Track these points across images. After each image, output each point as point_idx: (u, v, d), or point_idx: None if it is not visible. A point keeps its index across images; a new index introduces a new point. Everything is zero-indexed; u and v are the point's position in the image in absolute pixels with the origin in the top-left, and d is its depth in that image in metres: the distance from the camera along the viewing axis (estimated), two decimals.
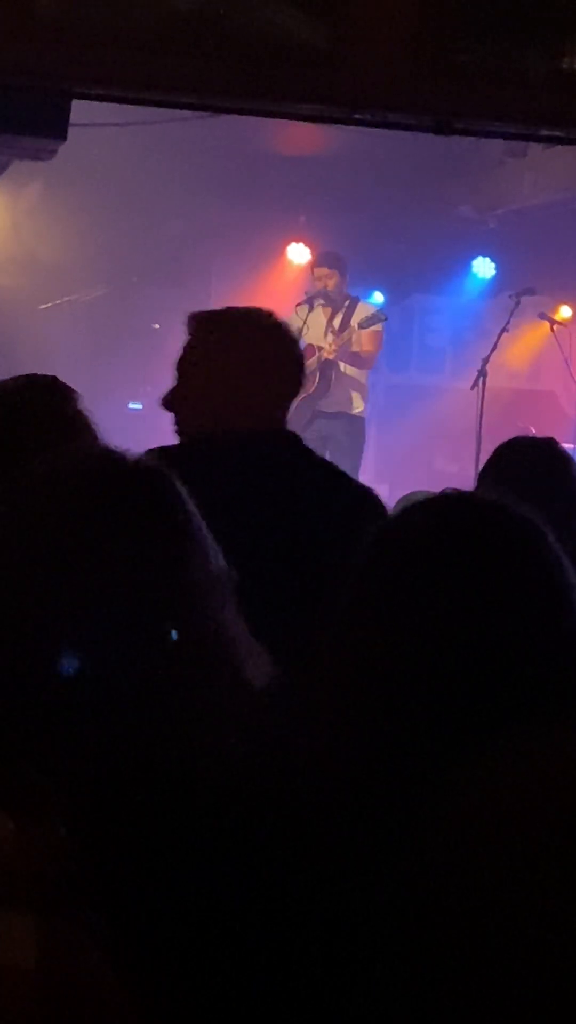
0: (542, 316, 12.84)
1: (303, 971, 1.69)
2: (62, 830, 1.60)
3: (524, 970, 1.18)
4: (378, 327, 11.97)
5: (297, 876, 1.72)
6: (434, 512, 2.06)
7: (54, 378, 2.95)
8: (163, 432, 14.99)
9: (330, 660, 2.03)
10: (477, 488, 4.03)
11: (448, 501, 2.08)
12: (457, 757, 1.79)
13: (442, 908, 1.23)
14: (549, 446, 4.35)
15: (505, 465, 4.11)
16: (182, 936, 1.64)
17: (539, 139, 7.02)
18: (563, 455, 4.26)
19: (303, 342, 11.99)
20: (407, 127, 6.06)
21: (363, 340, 11.95)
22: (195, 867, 1.66)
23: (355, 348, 11.91)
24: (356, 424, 11.97)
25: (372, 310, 12.24)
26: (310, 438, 11.80)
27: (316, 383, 11.89)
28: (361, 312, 12.04)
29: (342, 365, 11.88)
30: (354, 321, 11.94)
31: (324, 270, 12.16)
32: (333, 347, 11.83)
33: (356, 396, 11.97)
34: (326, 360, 11.85)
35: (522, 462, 4.12)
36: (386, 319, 11.95)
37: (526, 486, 3.80)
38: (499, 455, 4.19)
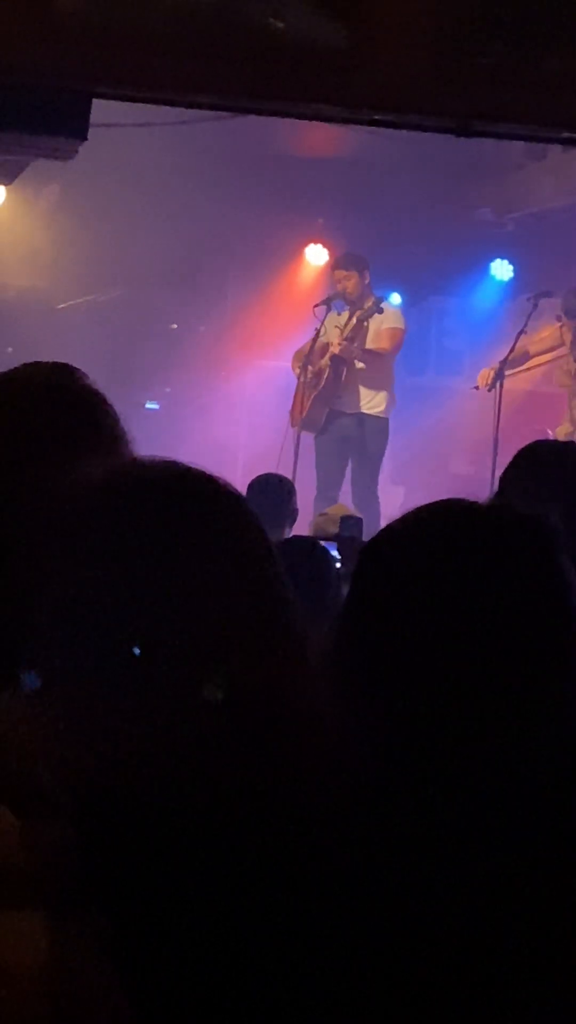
0: (559, 319, 12.81)
1: (310, 975, 1.69)
2: (69, 828, 1.60)
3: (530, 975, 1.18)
4: (393, 323, 11.94)
5: (305, 877, 1.72)
6: (434, 516, 2.05)
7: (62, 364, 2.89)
8: (180, 432, 15.10)
9: (331, 669, 2.02)
10: (499, 493, 4.00)
11: (449, 505, 2.06)
12: (459, 760, 1.79)
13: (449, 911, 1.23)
14: (572, 450, 4.34)
15: (527, 469, 4.09)
16: (187, 938, 1.64)
17: (559, 141, 7.02)
18: None
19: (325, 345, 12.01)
20: (427, 129, 6.06)
21: (381, 337, 11.93)
22: (203, 868, 1.66)
23: (370, 345, 11.89)
24: (374, 425, 11.94)
25: (394, 310, 12.21)
26: (330, 439, 11.86)
27: (326, 379, 11.87)
28: (384, 312, 12.00)
29: (356, 363, 11.87)
30: (373, 324, 11.92)
31: (342, 272, 12.14)
32: (339, 341, 11.81)
33: (374, 395, 11.94)
34: (335, 356, 11.82)
35: (545, 466, 4.09)
36: (382, 312, 11.88)
37: (549, 490, 3.80)
38: (521, 459, 4.17)
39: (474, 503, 2.07)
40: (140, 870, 1.65)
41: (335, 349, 11.81)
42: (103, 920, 1.56)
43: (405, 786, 1.84)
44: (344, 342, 11.80)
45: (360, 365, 11.87)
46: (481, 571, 1.96)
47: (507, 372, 11.95)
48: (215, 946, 1.65)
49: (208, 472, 1.90)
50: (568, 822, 1.55)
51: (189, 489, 1.87)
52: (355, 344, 11.83)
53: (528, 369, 12.30)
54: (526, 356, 12.21)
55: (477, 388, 11.92)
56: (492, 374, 11.76)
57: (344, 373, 11.84)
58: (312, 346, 12.11)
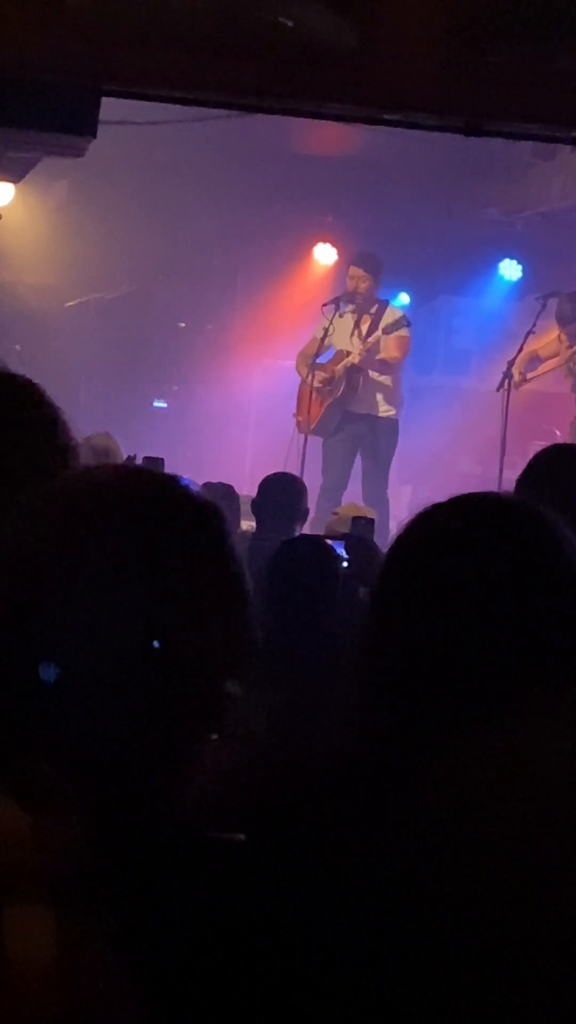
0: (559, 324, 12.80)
1: (316, 979, 1.69)
2: (78, 825, 1.60)
3: (527, 958, 1.18)
4: (404, 332, 11.94)
5: (316, 880, 1.72)
6: (454, 510, 2.06)
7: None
8: (188, 431, 15.04)
9: (357, 659, 2.04)
10: (515, 493, 4.01)
11: (469, 500, 2.09)
12: (486, 756, 1.80)
13: (441, 887, 1.23)
14: None
15: (546, 472, 4.09)
16: (194, 937, 1.64)
17: (569, 141, 7.01)
18: None
19: (330, 347, 12.02)
20: (436, 128, 6.06)
21: (390, 346, 11.92)
22: (214, 867, 1.66)
23: (382, 355, 11.89)
24: (386, 426, 11.95)
25: (400, 314, 12.21)
26: (341, 440, 11.87)
27: (343, 388, 11.89)
28: (389, 317, 12.01)
29: (370, 371, 11.89)
30: (381, 326, 11.92)
31: (359, 271, 12.06)
32: (360, 353, 11.81)
33: (384, 398, 11.96)
34: (353, 366, 11.84)
35: (564, 470, 4.10)
36: (410, 324, 11.93)
37: (567, 494, 3.81)
38: (539, 462, 4.17)
39: (490, 494, 2.10)
40: (149, 868, 1.65)
41: (355, 360, 11.81)
42: (111, 918, 1.57)
43: (424, 773, 1.85)
44: (366, 353, 11.80)
45: (375, 374, 11.90)
46: (503, 564, 1.98)
47: (529, 375, 12.01)
48: (222, 946, 1.65)
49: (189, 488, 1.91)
50: None
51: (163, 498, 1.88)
52: (375, 354, 11.85)
53: (540, 374, 12.30)
54: (537, 360, 12.22)
55: (498, 390, 11.88)
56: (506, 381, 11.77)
57: (360, 382, 11.86)
58: (319, 346, 12.10)
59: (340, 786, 1.89)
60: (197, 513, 1.83)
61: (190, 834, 1.67)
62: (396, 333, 11.87)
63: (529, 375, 12.09)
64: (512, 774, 1.26)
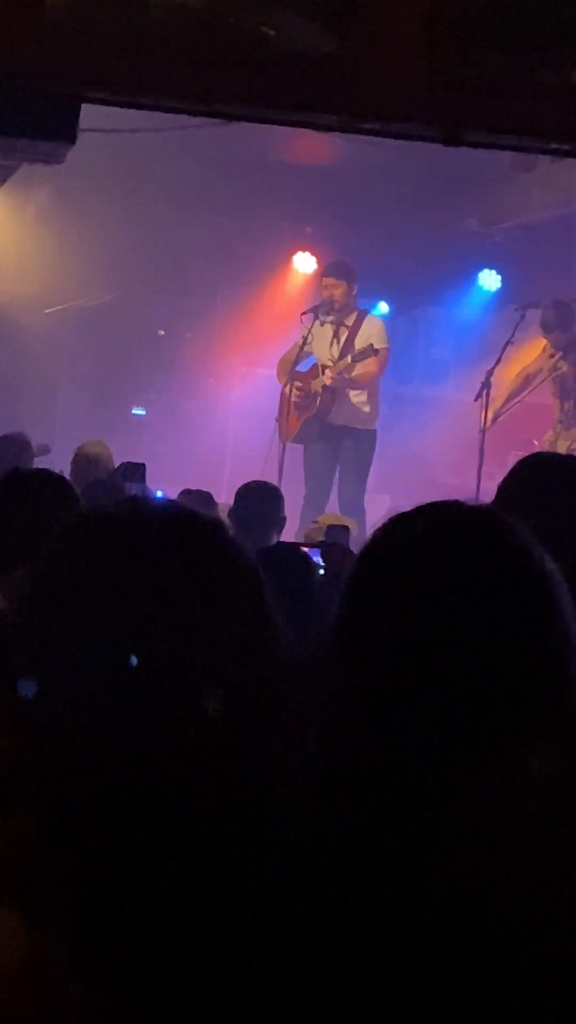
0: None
1: (285, 988, 1.69)
2: (38, 827, 1.59)
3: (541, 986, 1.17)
4: (383, 345, 11.96)
5: (287, 891, 1.72)
6: (418, 519, 2.07)
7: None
8: (166, 439, 15.03)
9: (326, 670, 2.04)
10: (495, 502, 4.02)
11: (433, 508, 2.09)
12: (456, 761, 1.80)
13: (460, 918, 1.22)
14: (570, 462, 4.37)
15: (527, 481, 4.10)
16: (154, 938, 1.63)
17: (550, 152, 7.01)
18: None
19: (309, 354, 12.05)
20: (416, 138, 6.06)
21: (366, 362, 11.95)
22: (176, 872, 1.65)
23: (357, 372, 11.92)
24: (364, 437, 12.01)
25: (377, 323, 12.24)
26: (320, 450, 11.90)
27: (319, 404, 11.95)
28: (367, 329, 12.04)
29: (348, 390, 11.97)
30: (359, 343, 11.95)
31: (332, 280, 12.15)
32: (331, 375, 11.88)
33: (363, 409, 11.99)
34: (326, 386, 11.93)
35: (545, 479, 4.11)
36: (377, 353, 11.92)
37: (548, 502, 3.82)
38: (521, 471, 4.18)
39: (460, 503, 2.11)
40: (109, 872, 1.64)
41: (327, 381, 11.87)
42: (67, 919, 1.56)
43: (403, 784, 1.85)
44: (337, 376, 11.85)
45: (351, 391, 11.96)
46: (469, 570, 1.98)
47: (507, 407, 12.10)
48: (182, 947, 1.65)
49: (197, 511, 1.92)
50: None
51: (184, 522, 1.88)
52: (347, 375, 11.88)
53: (532, 389, 12.35)
54: (527, 382, 12.30)
55: (476, 401, 11.90)
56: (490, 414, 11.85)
57: (335, 399, 11.93)
58: (298, 353, 12.13)
59: (313, 790, 1.89)
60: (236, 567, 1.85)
61: (156, 837, 1.67)
62: (365, 360, 11.89)
63: (505, 410, 12.15)
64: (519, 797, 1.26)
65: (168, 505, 2.05)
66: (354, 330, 12.05)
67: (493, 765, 1.33)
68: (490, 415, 11.79)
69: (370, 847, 1.81)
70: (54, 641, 1.72)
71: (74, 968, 1.56)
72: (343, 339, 12.04)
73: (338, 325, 12.08)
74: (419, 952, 1.24)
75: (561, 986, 1.16)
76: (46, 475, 4.97)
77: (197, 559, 1.81)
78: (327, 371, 11.93)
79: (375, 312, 12.94)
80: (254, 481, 8.26)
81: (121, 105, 6.55)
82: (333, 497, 11.99)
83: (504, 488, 4.12)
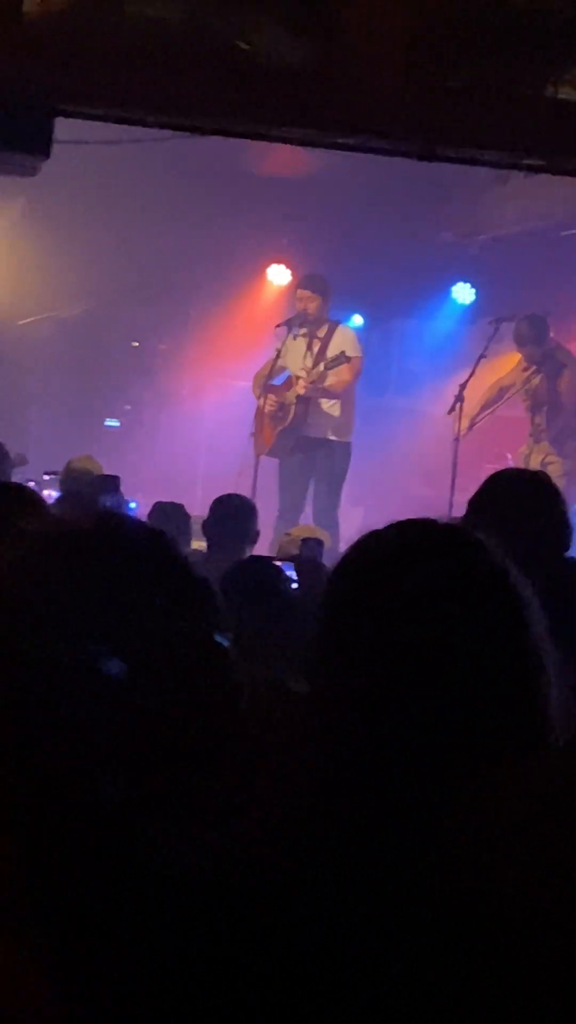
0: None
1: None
2: (11, 845, 1.59)
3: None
4: (345, 367, 11.95)
5: (257, 910, 1.72)
6: (390, 537, 2.07)
7: None
8: (140, 450, 14.98)
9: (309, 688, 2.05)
10: (466, 516, 4.05)
11: (404, 526, 2.10)
12: (440, 773, 1.81)
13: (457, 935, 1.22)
14: (539, 479, 4.39)
15: (495, 495, 4.13)
16: (128, 959, 1.63)
17: (525, 168, 7.04)
18: (554, 489, 4.28)
19: (283, 368, 12.06)
20: (392, 153, 6.08)
21: (340, 371, 11.95)
22: (150, 891, 1.65)
23: (331, 381, 11.92)
24: (339, 450, 12.00)
25: (349, 334, 12.24)
26: (295, 463, 11.90)
27: (293, 415, 11.93)
28: (338, 338, 12.04)
29: (320, 399, 11.96)
30: (331, 352, 11.96)
31: (306, 292, 12.14)
32: (306, 385, 11.87)
33: (338, 421, 12.00)
34: (300, 396, 11.91)
35: (512, 494, 4.14)
36: (350, 361, 11.92)
37: (516, 518, 3.85)
38: (490, 485, 4.21)
39: (432, 521, 2.11)
40: (86, 892, 1.64)
41: (301, 391, 11.86)
42: (43, 938, 1.56)
43: (383, 797, 1.85)
44: (311, 385, 11.84)
45: (325, 401, 11.95)
46: (441, 589, 1.98)
47: (481, 418, 12.13)
48: (155, 968, 1.64)
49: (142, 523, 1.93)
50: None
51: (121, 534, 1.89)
52: (320, 384, 11.88)
53: (505, 401, 12.38)
54: (502, 393, 12.33)
55: (449, 413, 11.92)
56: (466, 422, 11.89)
57: (309, 410, 11.92)
58: (272, 367, 12.13)
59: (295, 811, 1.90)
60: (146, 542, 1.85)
61: (130, 856, 1.66)
62: (337, 368, 11.89)
63: (480, 419, 12.18)
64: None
65: (129, 521, 2.05)
66: (326, 341, 12.05)
67: (477, 779, 1.33)
68: (464, 424, 11.82)
69: (361, 858, 1.81)
70: (9, 654, 1.72)
71: (56, 989, 1.55)
72: (316, 350, 12.04)
73: (311, 337, 12.09)
74: (418, 956, 1.24)
75: (558, 986, 1.16)
76: (16, 487, 4.98)
77: (143, 571, 1.82)
78: (300, 381, 11.93)
79: (348, 324, 12.94)
80: (228, 495, 8.25)
81: (98, 119, 6.56)
82: (307, 509, 11.98)
83: (474, 503, 4.15)
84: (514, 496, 4.08)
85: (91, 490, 8.43)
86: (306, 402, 11.91)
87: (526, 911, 1.19)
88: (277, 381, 12.16)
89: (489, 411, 12.31)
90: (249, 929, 1.71)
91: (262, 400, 12.05)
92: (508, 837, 1.24)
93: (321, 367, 11.90)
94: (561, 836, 1.21)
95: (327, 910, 1.76)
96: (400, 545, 2.05)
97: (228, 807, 1.76)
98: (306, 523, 11.03)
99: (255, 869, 1.73)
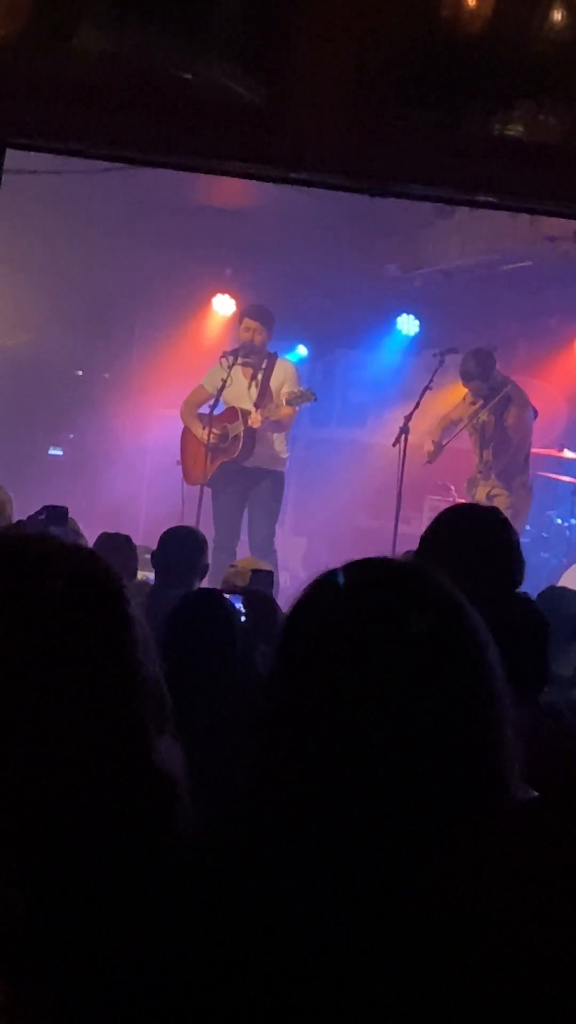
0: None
1: None
2: (15, 893, 1.59)
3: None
4: (310, 391, 11.96)
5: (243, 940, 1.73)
6: (349, 577, 2.08)
7: None
8: (82, 479, 14.88)
9: (257, 723, 2.05)
10: (418, 551, 4.08)
11: (362, 565, 2.11)
12: (400, 814, 1.82)
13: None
14: (492, 515, 4.42)
15: (447, 529, 4.16)
16: (133, 1002, 1.64)
17: (474, 204, 7.08)
18: (505, 524, 4.31)
19: (222, 401, 12.03)
20: (344, 189, 6.10)
21: (283, 404, 11.97)
22: (151, 934, 1.66)
23: (280, 414, 11.94)
24: (276, 478, 12.00)
25: (290, 367, 12.25)
26: (231, 492, 11.89)
27: (241, 448, 11.91)
28: (280, 370, 12.05)
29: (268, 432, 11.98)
30: (273, 383, 11.97)
31: (253, 323, 12.10)
32: (259, 417, 11.86)
33: (275, 451, 12.00)
34: (250, 428, 11.89)
35: (466, 530, 4.17)
36: (315, 399, 11.94)
37: (470, 553, 3.89)
38: (442, 520, 4.24)
39: (387, 559, 2.13)
40: (88, 935, 1.64)
41: (255, 424, 11.84)
42: (50, 984, 1.56)
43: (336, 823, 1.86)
44: (264, 420, 11.84)
45: (270, 433, 11.96)
46: (399, 627, 2.00)
47: (445, 441, 12.18)
48: (160, 1011, 1.65)
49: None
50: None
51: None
52: (272, 418, 11.90)
53: (455, 436, 12.43)
54: (453, 426, 12.40)
55: (394, 445, 11.96)
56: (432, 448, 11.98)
57: (256, 441, 11.91)
58: (203, 396, 12.12)
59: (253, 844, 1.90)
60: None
61: (130, 900, 1.67)
62: (287, 388, 11.92)
63: (445, 441, 12.24)
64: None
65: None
66: (267, 373, 12.05)
67: (441, 830, 1.34)
68: (431, 448, 11.92)
69: (322, 899, 1.82)
70: None
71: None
72: (260, 381, 12.04)
73: (255, 369, 12.08)
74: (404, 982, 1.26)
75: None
76: None
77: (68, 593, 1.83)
78: (253, 414, 11.89)
79: (292, 356, 12.95)
80: (178, 527, 8.24)
81: (47, 151, 6.56)
82: (243, 539, 11.96)
83: (427, 538, 4.17)
84: (467, 532, 4.11)
85: (31, 521, 8.38)
86: (253, 434, 11.91)
87: (498, 972, 1.20)
88: (217, 410, 12.12)
89: (451, 437, 12.35)
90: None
91: (204, 431, 12.02)
92: (475, 900, 1.25)
93: (283, 401, 11.88)
94: (526, 895, 1.23)
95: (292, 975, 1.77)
96: (357, 584, 2.07)
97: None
98: (242, 553, 11.02)
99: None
